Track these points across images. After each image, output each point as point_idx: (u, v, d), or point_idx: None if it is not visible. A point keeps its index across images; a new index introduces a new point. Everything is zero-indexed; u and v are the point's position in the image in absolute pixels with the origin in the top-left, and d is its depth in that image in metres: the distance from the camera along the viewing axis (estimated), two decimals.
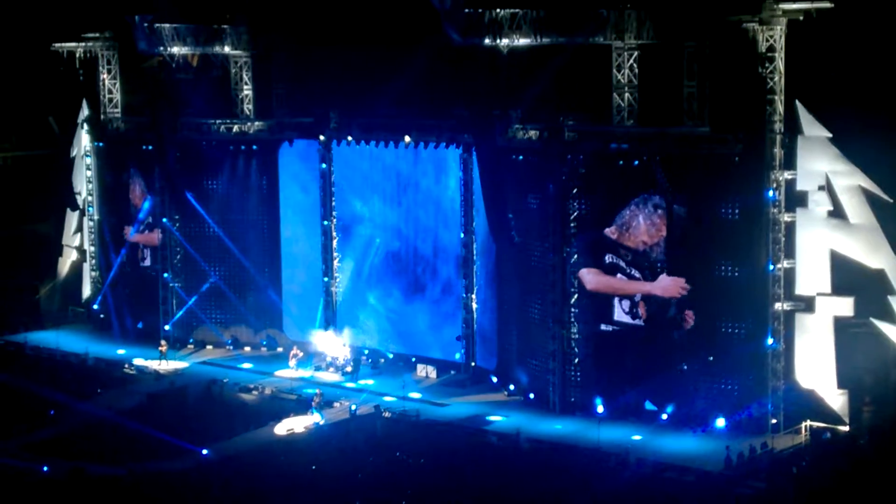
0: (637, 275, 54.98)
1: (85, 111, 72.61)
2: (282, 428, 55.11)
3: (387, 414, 56.30)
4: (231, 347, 68.31)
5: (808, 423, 51.51)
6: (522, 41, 56.93)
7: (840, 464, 48.33)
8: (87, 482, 48.17)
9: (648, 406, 54.74)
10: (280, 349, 67.02)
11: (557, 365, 56.88)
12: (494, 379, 60.58)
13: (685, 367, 53.81)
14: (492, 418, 56.18)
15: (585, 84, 56.94)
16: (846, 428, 51.24)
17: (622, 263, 55.39)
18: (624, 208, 54.96)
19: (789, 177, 51.91)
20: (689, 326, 53.67)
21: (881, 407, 51.85)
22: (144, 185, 70.04)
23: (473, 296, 62.06)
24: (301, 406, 57.52)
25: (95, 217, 73.10)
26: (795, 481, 46.80)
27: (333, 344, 64.69)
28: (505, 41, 57.07)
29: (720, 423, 52.78)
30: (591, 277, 56.37)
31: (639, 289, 54.99)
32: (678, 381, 54.18)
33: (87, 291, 74.54)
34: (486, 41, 57.24)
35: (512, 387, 59.24)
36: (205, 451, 51.96)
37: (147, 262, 71.10)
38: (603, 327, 56.24)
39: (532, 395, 58.05)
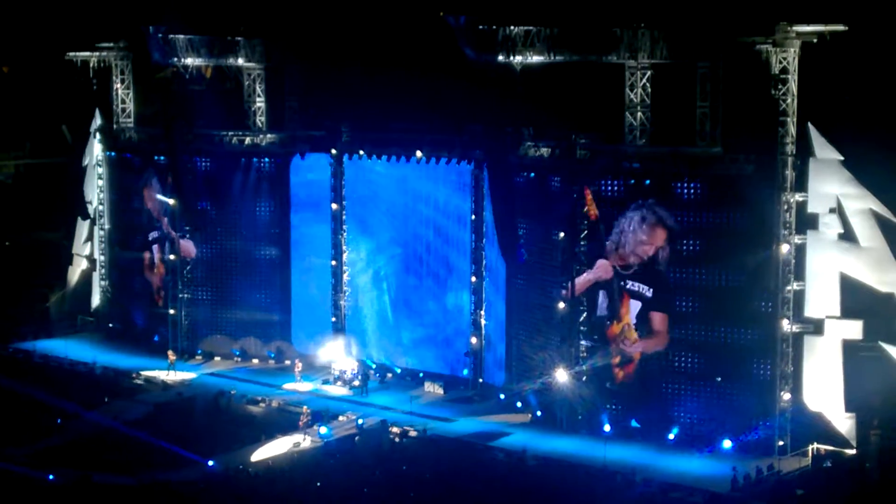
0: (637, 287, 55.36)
1: (98, 120, 72.74)
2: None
3: (395, 430, 56.26)
4: (239, 359, 68.37)
5: (815, 445, 51.42)
6: (536, 58, 57.07)
7: (845, 487, 48.25)
8: (94, 491, 48.22)
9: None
10: (288, 361, 67.00)
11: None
12: (502, 396, 60.53)
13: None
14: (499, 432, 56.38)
15: (598, 103, 56.99)
16: (853, 451, 51.10)
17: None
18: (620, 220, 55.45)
19: (800, 199, 51.91)
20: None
21: (889, 431, 51.70)
22: (161, 189, 70.07)
23: (482, 312, 62.05)
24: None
25: (106, 226, 73.18)
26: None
27: (342, 357, 64.73)
28: (518, 58, 57.22)
29: (727, 444, 52.75)
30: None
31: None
32: (685, 402, 54.32)
33: (96, 300, 74.63)
34: (500, 58, 57.41)
35: (519, 404, 59.18)
36: (211, 463, 51.97)
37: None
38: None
39: (539, 413, 58.00)
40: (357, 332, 66.54)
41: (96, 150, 73.19)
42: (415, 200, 64.47)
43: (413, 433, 55.98)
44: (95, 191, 73.44)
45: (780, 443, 52.20)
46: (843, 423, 51.62)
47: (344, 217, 66.18)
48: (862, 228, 51.28)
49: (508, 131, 58.73)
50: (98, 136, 72.83)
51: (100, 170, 73.08)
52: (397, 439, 55.60)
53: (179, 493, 48.33)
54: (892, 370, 51.53)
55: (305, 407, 58.18)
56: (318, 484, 49.82)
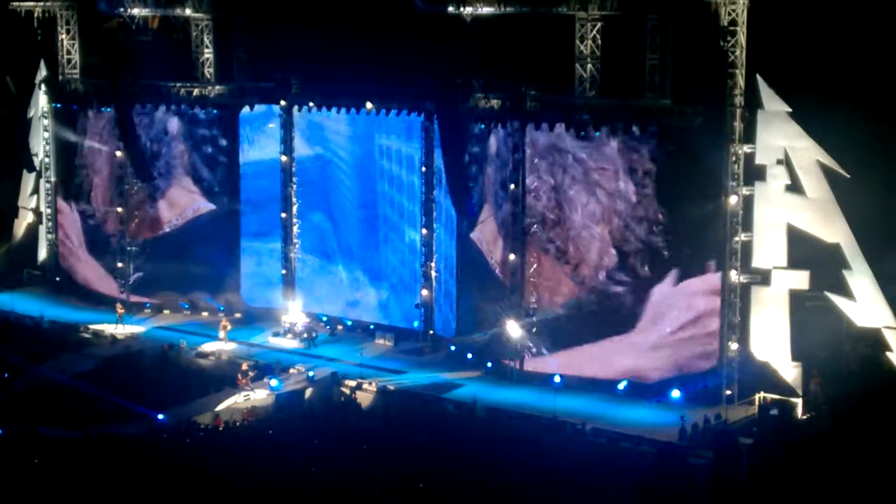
0: None
1: (43, 72, 71.81)
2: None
3: (349, 383, 56.28)
4: (189, 312, 68.12)
5: (762, 394, 51.99)
6: (486, 10, 56.85)
7: (791, 435, 48.79)
8: (42, 445, 47.91)
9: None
10: (238, 315, 66.76)
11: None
12: (452, 347, 60.71)
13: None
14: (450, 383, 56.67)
15: (548, 54, 56.94)
16: (798, 400, 51.71)
17: None
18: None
19: (748, 150, 52.19)
20: None
21: (832, 380, 52.36)
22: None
23: (433, 264, 62.11)
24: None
25: (52, 179, 72.47)
26: (744, 452, 47.19)
27: (292, 310, 64.68)
28: (468, 9, 56.97)
29: (675, 393, 53.25)
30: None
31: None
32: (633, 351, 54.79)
33: (42, 254, 74.02)
34: (450, 9, 57.13)
35: (470, 355, 59.37)
36: (161, 416, 51.84)
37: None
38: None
39: (490, 364, 58.22)
40: (307, 285, 66.41)
41: (41, 101, 72.34)
42: (365, 151, 64.29)
43: (367, 386, 56.02)
44: (41, 143, 72.62)
45: (728, 392, 52.72)
46: (790, 372, 52.19)
47: (294, 169, 65.87)
48: (809, 180, 51.62)
49: (458, 83, 58.46)
50: (43, 87, 71.90)
51: (45, 121, 72.27)
52: (348, 391, 55.67)
53: (127, 446, 48.12)
54: (838, 319, 52.12)
55: (244, 363, 57.92)
56: (270, 432, 49.86)
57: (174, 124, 67.53)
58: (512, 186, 56.84)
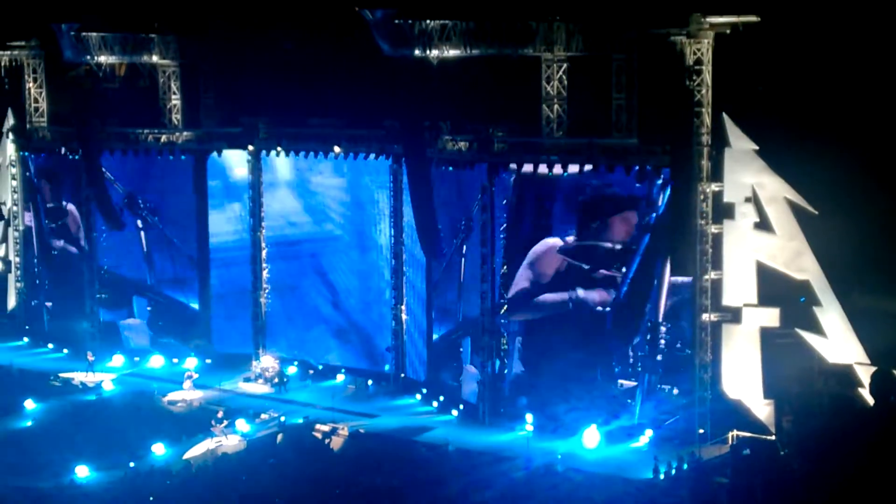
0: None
1: (10, 120, 71.66)
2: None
3: (322, 428, 55.99)
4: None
5: (735, 433, 51.89)
6: (452, 52, 57.04)
7: (765, 474, 48.71)
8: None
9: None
10: (208, 360, 66.38)
11: (487, 377, 56.96)
12: (420, 394, 60.40)
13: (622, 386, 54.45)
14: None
15: (515, 95, 57.10)
16: (772, 438, 51.64)
17: None
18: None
19: (716, 189, 52.33)
20: None
21: (804, 417, 52.29)
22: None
23: (403, 307, 61.95)
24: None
25: (21, 227, 72.16)
26: (720, 491, 47.10)
27: (263, 355, 64.47)
28: (435, 52, 57.16)
29: (648, 433, 53.12)
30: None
31: None
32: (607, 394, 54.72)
33: (11, 302, 73.57)
34: (416, 52, 57.31)
35: (435, 403, 59.13)
36: (132, 464, 51.44)
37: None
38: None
39: (461, 407, 57.98)
40: (277, 329, 66.12)
41: (9, 150, 72.10)
42: (335, 196, 64.22)
43: (342, 430, 55.75)
44: (9, 191, 72.33)
45: (701, 431, 52.61)
46: (762, 409, 52.13)
47: (263, 214, 65.69)
48: (777, 217, 51.76)
49: (426, 125, 58.58)
50: (11, 135, 71.73)
51: (13, 170, 72.02)
52: (321, 436, 55.41)
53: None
54: (808, 356, 52.13)
55: (220, 411, 57.56)
56: (244, 478, 49.57)
57: None
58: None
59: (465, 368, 58.62)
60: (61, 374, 65.06)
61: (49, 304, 71.79)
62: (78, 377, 64.65)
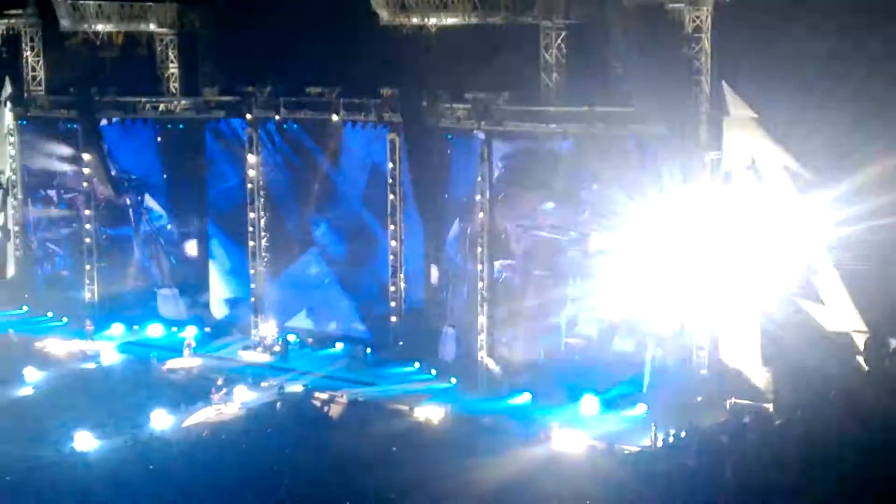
0: None
1: (8, 89, 71.51)
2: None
3: (321, 396, 56.08)
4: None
5: (733, 400, 52.00)
6: (450, 20, 56.92)
7: (763, 440, 48.90)
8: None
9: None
10: (208, 329, 66.49)
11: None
12: (417, 365, 60.57)
13: None
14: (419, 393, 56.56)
15: (514, 63, 56.97)
16: (770, 406, 51.76)
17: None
18: None
19: (715, 157, 52.30)
20: None
21: (803, 385, 52.41)
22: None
23: (402, 275, 62.03)
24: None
25: (19, 196, 72.12)
26: (720, 457, 47.24)
27: (262, 323, 64.57)
28: (433, 20, 57.03)
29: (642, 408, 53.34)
30: None
31: None
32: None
33: (10, 271, 73.58)
34: (415, 20, 57.19)
35: (434, 371, 59.29)
36: (131, 432, 51.55)
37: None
38: None
39: (457, 379, 58.11)
40: (277, 297, 66.18)
41: (7, 118, 71.99)
42: (334, 164, 64.21)
43: (341, 398, 55.87)
44: (7, 160, 72.23)
45: (699, 398, 52.72)
46: (761, 377, 52.25)
47: (261, 182, 65.62)
48: (776, 185, 51.75)
49: (424, 94, 58.53)
50: (9, 104, 71.61)
51: (11, 138, 71.91)
52: (319, 404, 55.56)
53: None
54: (808, 324, 52.20)
55: (219, 378, 57.64)
56: (243, 446, 49.71)
57: None
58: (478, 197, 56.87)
59: (443, 330, 58.98)
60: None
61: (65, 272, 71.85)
62: (77, 345, 64.65)
